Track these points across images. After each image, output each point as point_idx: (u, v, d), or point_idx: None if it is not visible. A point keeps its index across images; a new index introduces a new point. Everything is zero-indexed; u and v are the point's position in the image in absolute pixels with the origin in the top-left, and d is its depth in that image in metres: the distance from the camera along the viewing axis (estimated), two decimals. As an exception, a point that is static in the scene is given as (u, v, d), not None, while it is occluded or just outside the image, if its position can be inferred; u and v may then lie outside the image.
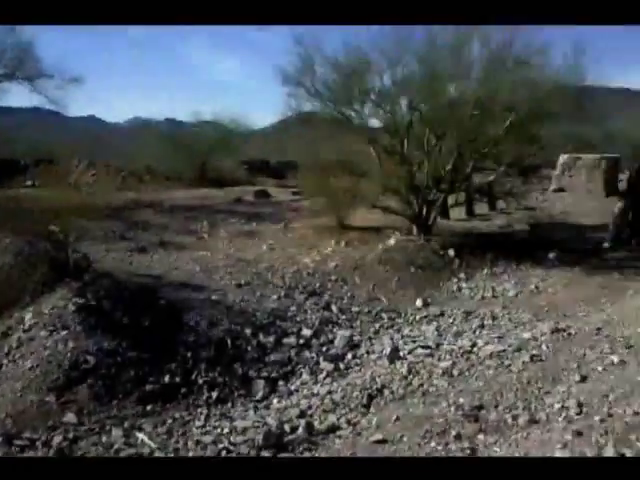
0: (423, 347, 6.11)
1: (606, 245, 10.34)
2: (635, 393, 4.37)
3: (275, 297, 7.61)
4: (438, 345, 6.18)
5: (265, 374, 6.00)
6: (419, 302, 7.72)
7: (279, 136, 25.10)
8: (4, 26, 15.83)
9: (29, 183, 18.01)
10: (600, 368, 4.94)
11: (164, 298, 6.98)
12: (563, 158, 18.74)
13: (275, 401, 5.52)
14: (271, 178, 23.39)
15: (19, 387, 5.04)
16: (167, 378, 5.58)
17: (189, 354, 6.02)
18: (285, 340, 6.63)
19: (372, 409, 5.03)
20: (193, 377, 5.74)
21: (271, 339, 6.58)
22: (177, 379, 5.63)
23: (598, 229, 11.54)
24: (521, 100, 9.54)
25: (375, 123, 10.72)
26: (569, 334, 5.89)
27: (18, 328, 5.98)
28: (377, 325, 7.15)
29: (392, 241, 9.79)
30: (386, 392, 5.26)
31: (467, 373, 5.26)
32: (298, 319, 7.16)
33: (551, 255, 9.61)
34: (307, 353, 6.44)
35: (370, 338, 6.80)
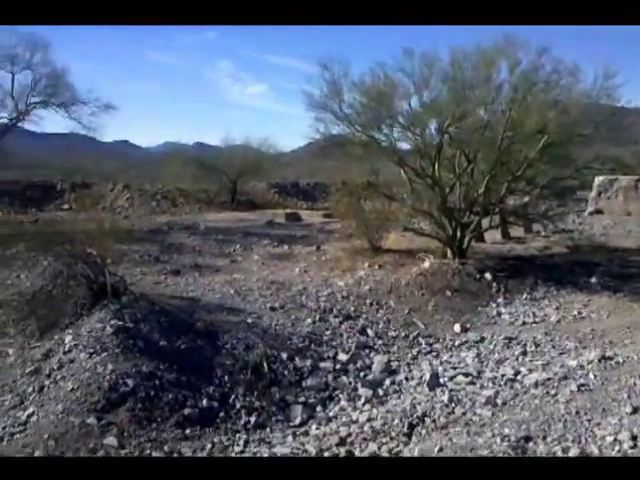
0: (464, 374, 5.96)
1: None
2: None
3: (310, 321, 7.55)
4: (479, 373, 6.03)
5: (302, 399, 5.91)
6: (457, 327, 7.57)
7: (309, 159, 25.30)
8: (40, 56, 16.49)
9: (66, 206, 18.51)
10: (655, 399, 4.74)
11: (200, 320, 6.99)
12: (599, 180, 18.33)
13: (314, 427, 5.41)
14: (301, 200, 23.55)
15: (60, 409, 5.03)
16: (205, 402, 5.53)
17: (226, 377, 5.98)
18: (322, 365, 6.54)
19: (414, 438, 4.90)
20: (231, 401, 5.68)
21: (307, 363, 6.50)
22: (215, 403, 5.57)
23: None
24: (552, 122, 9.40)
25: (404, 145, 10.70)
26: (617, 362, 5.69)
27: (58, 350, 6.01)
28: (415, 350, 7.01)
29: (426, 264, 9.66)
30: (427, 421, 5.13)
31: (512, 402, 5.11)
32: (334, 343, 7.07)
33: (593, 280, 9.35)
34: (344, 378, 6.33)
35: (408, 364, 6.67)
